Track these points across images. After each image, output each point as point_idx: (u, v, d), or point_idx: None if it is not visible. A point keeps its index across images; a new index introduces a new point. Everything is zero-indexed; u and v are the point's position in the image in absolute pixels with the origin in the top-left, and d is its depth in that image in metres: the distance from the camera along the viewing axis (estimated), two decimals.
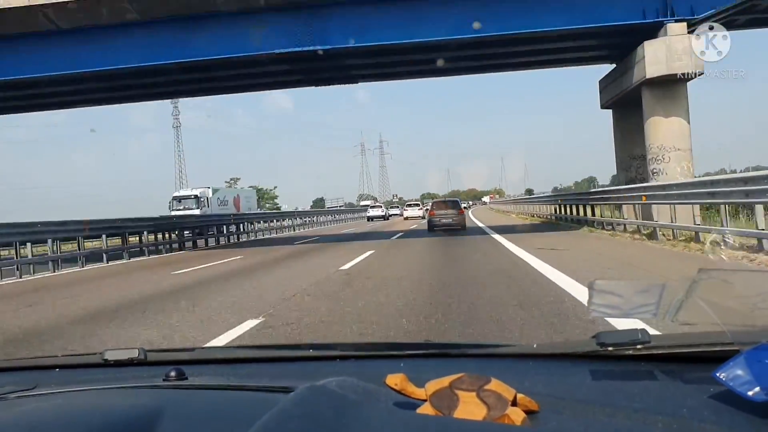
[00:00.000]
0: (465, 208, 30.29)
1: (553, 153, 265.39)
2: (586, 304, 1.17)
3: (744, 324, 1.04)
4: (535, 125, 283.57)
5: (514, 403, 0.94)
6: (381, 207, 60.73)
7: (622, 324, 1.19)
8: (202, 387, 1.27)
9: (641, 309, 1.10)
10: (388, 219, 53.58)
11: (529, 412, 0.95)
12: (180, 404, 1.13)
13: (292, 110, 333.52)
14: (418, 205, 53.85)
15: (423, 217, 43.38)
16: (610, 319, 2.21)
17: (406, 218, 47.64)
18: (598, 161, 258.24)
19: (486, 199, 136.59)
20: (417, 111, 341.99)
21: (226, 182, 76.59)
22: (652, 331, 1.21)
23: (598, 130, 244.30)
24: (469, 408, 0.92)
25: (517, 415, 0.91)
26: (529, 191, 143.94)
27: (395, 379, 0.99)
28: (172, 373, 1.28)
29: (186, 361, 1.53)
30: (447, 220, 23.85)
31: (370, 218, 52.69)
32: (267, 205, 79.84)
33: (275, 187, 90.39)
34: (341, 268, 11.09)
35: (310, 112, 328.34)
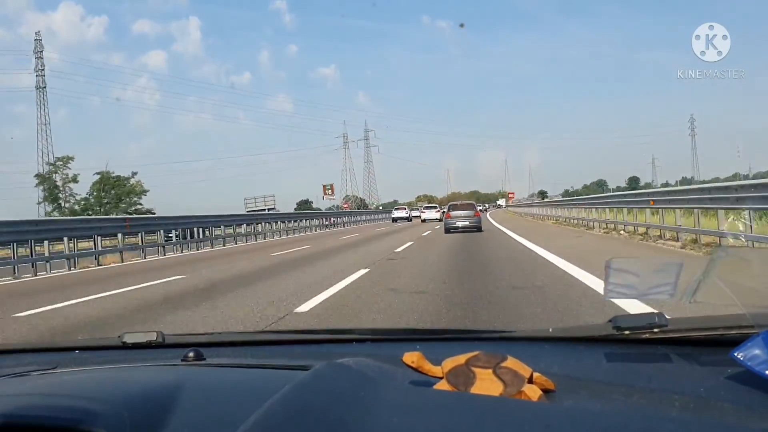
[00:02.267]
0: (481, 211, 30.11)
1: (559, 156, 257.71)
2: None
3: (762, 305, 1.04)
4: (543, 125, 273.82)
5: (530, 381, 0.94)
6: (405, 209, 63.25)
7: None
8: (220, 365, 1.28)
9: (658, 289, 1.10)
10: (411, 220, 54.58)
11: (545, 391, 0.95)
12: (199, 381, 1.14)
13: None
14: (435, 207, 54.37)
15: (440, 220, 43.38)
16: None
17: (424, 221, 47.47)
18: (603, 165, 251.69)
19: (501, 201, 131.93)
20: (411, 101, 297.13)
21: None
22: (668, 314, 1.21)
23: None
24: (486, 384, 0.92)
25: (533, 392, 0.91)
26: (543, 194, 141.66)
27: (412, 357, 1.00)
28: (191, 354, 1.30)
29: (204, 343, 1.54)
30: (464, 223, 23.87)
31: (395, 219, 54.12)
32: (123, 206, 54.62)
33: (134, 174, 58.32)
34: None
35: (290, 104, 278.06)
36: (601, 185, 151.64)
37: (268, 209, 56.20)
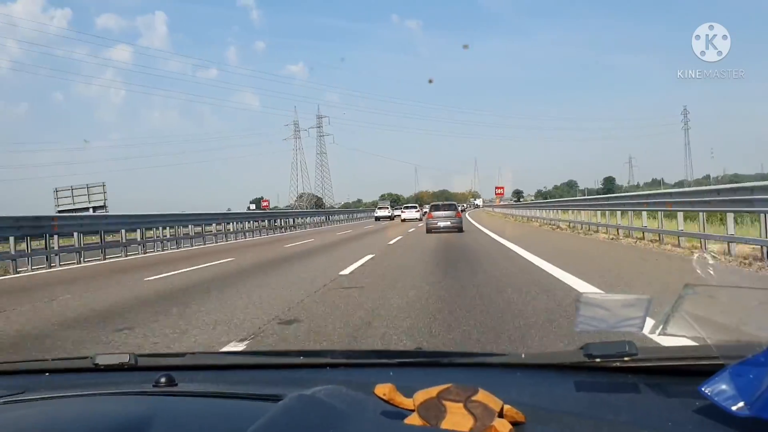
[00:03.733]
0: (461, 211, 30.15)
1: (529, 156, 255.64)
2: None
3: (730, 338, 1.05)
4: (513, 125, 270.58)
5: (501, 415, 0.95)
6: (388, 208, 62.64)
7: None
8: (191, 394, 1.27)
9: (628, 322, 1.11)
10: (393, 219, 54.98)
11: (515, 423, 0.96)
12: (169, 411, 1.13)
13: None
14: (415, 207, 54.60)
15: (420, 219, 43.43)
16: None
17: (404, 220, 47.38)
18: (574, 165, 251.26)
19: (479, 201, 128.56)
20: (376, 98, 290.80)
21: None
22: (640, 343, 1.22)
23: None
24: (456, 419, 0.92)
25: (503, 427, 0.92)
26: (518, 193, 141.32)
27: (384, 389, 1.00)
28: (162, 379, 1.28)
29: (177, 366, 1.53)
30: (445, 223, 23.96)
31: (378, 218, 54.23)
32: None
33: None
34: None
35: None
36: (571, 186, 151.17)
37: (94, 208, 34.33)
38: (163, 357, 1.85)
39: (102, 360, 1.48)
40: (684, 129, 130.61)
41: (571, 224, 23.38)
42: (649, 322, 1.13)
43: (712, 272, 1.08)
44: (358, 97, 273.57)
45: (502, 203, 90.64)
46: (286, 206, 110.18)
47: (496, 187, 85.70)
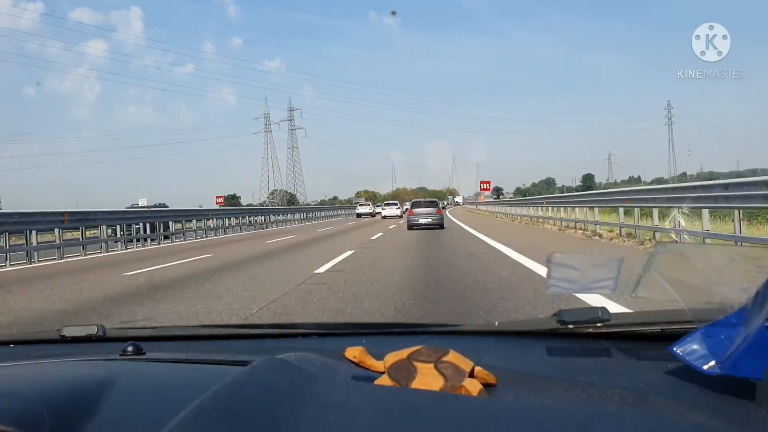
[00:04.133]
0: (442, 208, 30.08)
1: (507, 153, 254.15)
2: None
3: (701, 301, 1.05)
4: (491, 123, 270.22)
5: (472, 375, 0.94)
6: (369, 205, 64.36)
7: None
8: (158, 360, 1.24)
9: (600, 284, 1.10)
10: (374, 216, 55.65)
11: (486, 385, 0.95)
12: (135, 376, 1.11)
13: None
14: (396, 204, 55.20)
15: (400, 216, 43.48)
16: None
17: (384, 217, 47.55)
18: (552, 163, 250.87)
19: (459, 198, 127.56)
20: (352, 92, 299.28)
21: None
22: (613, 309, 1.22)
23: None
24: (427, 379, 0.91)
25: (473, 387, 0.91)
26: (498, 190, 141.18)
27: (354, 352, 0.99)
28: (130, 348, 1.26)
29: (145, 337, 1.50)
30: (426, 220, 23.96)
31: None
32: None
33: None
34: None
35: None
36: (549, 183, 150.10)
37: None
38: (132, 329, 1.82)
39: (69, 332, 1.46)
40: (667, 125, 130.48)
41: (554, 221, 23.85)
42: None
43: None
44: (332, 90, 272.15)
45: (485, 200, 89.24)
46: (261, 203, 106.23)
47: (481, 182, 71.38)
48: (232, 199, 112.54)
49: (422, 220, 23.97)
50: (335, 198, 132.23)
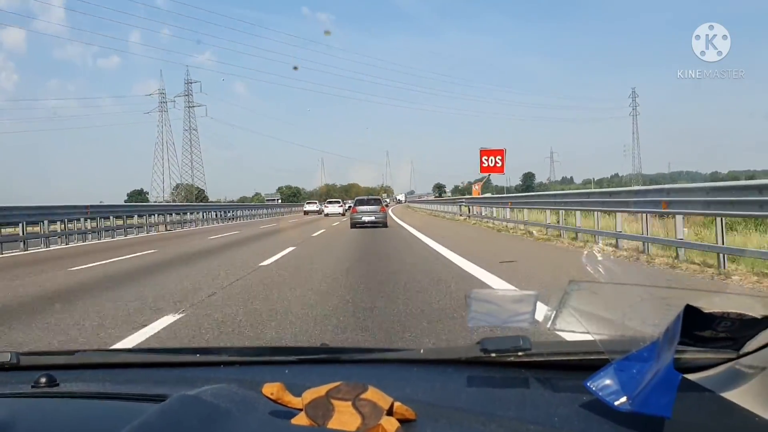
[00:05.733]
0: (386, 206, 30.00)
1: (441, 151, 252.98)
2: None
3: (615, 334, 1.08)
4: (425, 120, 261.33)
5: (390, 412, 0.94)
6: (316, 203, 64.28)
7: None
8: (71, 395, 1.20)
9: (518, 317, 1.12)
10: (321, 213, 54.83)
11: (405, 421, 0.95)
12: (45, 413, 1.07)
13: None
14: (338, 202, 55.88)
15: (343, 214, 43.35)
16: None
17: (327, 215, 47.42)
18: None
19: (401, 196, 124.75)
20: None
21: None
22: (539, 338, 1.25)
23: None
24: (344, 418, 0.91)
25: (390, 425, 0.91)
26: (440, 188, 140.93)
27: (272, 388, 0.97)
28: (42, 380, 1.21)
29: (61, 366, 1.45)
30: (370, 218, 23.96)
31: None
32: None
33: None
34: None
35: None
36: (484, 182, 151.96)
37: None
38: (48, 355, 1.75)
39: None
40: (632, 115, 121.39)
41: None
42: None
43: (600, 268, 1.10)
44: (254, 75, 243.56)
45: (422, 199, 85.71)
46: (165, 200, 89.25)
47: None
48: (139, 195, 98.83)
49: (366, 218, 23.96)
50: (257, 194, 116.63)
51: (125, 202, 69.89)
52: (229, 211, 45.90)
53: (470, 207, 31.39)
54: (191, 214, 37.11)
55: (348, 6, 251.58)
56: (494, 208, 25.01)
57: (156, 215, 31.38)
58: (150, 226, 28.73)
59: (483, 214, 27.42)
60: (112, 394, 1.18)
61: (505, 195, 30.68)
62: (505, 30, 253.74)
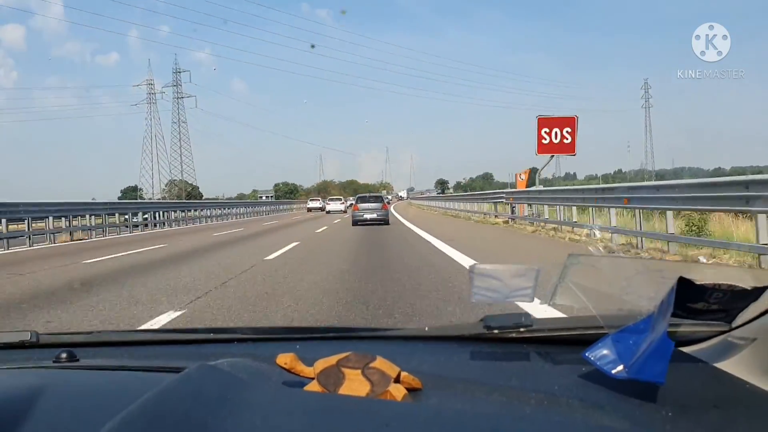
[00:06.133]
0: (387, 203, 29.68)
1: (441, 147, 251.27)
2: None
3: (612, 308, 1.13)
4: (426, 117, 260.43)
5: (398, 381, 0.98)
6: (319, 200, 64.92)
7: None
8: (91, 367, 1.24)
9: (519, 293, 1.17)
10: (323, 210, 55.31)
11: (412, 390, 0.99)
12: (66, 384, 1.11)
13: None
14: (340, 199, 56.93)
15: (345, 212, 43.37)
16: None
17: (328, 212, 47.60)
18: (490, 157, 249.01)
19: (403, 193, 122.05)
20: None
21: None
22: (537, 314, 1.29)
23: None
24: (354, 385, 0.96)
25: (398, 392, 0.95)
26: (443, 184, 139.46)
27: (285, 359, 1.02)
28: (63, 355, 1.26)
29: (80, 343, 1.49)
30: (372, 215, 23.82)
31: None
32: None
33: None
34: None
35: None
36: (487, 178, 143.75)
37: None
38: (66, 335, 1.79)
39: (1, 338, 1.44)
40: (644, 107, 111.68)
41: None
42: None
43: None
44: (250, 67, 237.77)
45: (425, 195, 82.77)
46: (158, 197, 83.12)
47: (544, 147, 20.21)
48: (133, 192, 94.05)
49: (368, 216, 23.81)
50: (255, 192, 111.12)
51: (119, 199, 67.13)
52: (229, 208, 45.49)
53: (513, 206, 21.85)
54: (195, 211, 37.16)
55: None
56: (563, 206, 16.23)
57: (161, 212, 31.33)
58: (154, 224, 28.68)
59: (533, 215, 19.35)
60: (131, 366, 1.22)
61: (601, 185, 17.90)
62: (503, 27, 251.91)
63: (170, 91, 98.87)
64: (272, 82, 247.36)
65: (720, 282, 0.99)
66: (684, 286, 0.96)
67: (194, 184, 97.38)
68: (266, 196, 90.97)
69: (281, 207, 64.10)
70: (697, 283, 0.97)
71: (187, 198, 68.23)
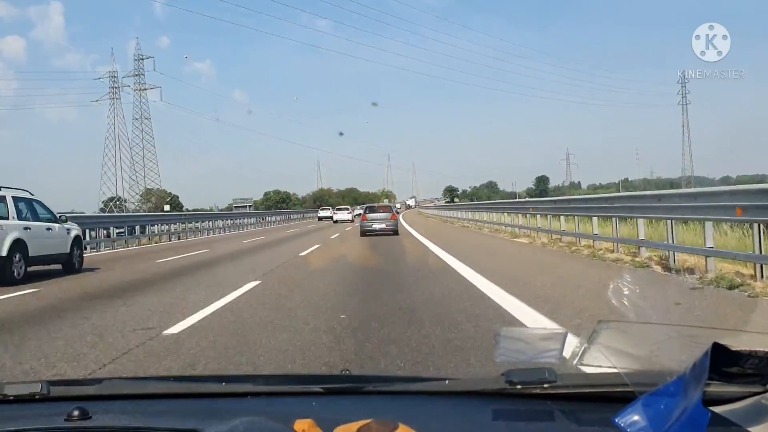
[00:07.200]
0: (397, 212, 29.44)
1: (443, 156, 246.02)
2: None
3: (640, 369, 1.09)
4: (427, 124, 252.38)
5: None
6: (329, 210, 64.20)
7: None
8: (104, 429, 1.22)
9: (546, 355, 1.13)
10: (331, 218, 54.99)
11: None
12: None
13: None
14: (347, 209, 56.54)
15: (352, 221, 43.37)
16: None
17: (336, 221, 47.74)
18: (492, 166, 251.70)
19: (411, 201, 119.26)
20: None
21: None
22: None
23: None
24: None
25: None
26: (452, 191, 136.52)
27: (303, 425, 0.99)
28: (75, 413, 1.23)
29: (91, 396, 1.46)
30: (380, 225, 23.62)
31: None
32: None
33: None
34: None
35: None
36: (491, 187, 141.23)
37: None
38: (77, 385, 1.77)
39: (11, 390, 1.41)
40: (681, 104, 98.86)
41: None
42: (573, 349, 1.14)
43: (626, 302, 1.11)
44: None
45: (432, 204, 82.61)
46: (133, 209, 74.13)
47: None
48: (117, 201, 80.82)
49: (376, 226, 23.59)
50: (246, 201, 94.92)
51: (100, 210, 62.23)
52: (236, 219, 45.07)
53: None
54: (215, 221, 38.84)
55: None
56: (598, 216, 13.42)
57: (194, 222, 33.18)
58: (171, 234, 29.27)
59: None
60: (146, 428, 1.19)
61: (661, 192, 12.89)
62: (502, 32, 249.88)
63: (131, 82, 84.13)
64: (263, 81, 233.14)
65: (756, 348, 0.96)
66: (718, 351, 0.92)
67: (159, 187, 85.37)
68: (249, 207, 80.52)
69: (271, 219, 56.30)
70: (733, 349, 0.94)
71: (172, 209, 58.02)
